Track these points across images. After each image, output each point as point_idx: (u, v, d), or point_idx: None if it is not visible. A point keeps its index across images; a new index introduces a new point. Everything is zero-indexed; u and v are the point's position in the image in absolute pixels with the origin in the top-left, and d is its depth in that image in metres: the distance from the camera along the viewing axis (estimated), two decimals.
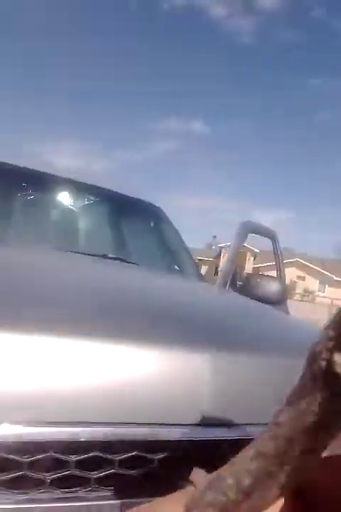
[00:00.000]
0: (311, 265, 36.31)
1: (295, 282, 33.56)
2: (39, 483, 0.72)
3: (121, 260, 1.77)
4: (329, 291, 35.19)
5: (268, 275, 2.56)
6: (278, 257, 2.80)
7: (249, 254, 26.54)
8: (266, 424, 0.27)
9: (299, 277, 35.36)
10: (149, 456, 0.76)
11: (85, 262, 1.57)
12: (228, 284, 2.13)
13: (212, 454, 0.78)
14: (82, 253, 1.70)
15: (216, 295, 1.74)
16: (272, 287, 2.02)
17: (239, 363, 0.87)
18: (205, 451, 0.77)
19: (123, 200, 2.20)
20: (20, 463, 0.71)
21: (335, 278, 36.00)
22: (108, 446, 0.74)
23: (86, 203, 2.03)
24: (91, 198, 2.06)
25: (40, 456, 0.71)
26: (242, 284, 2.14)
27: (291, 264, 32.03)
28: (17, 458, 0.70)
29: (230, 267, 2.21)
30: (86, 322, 0.83)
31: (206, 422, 0.80)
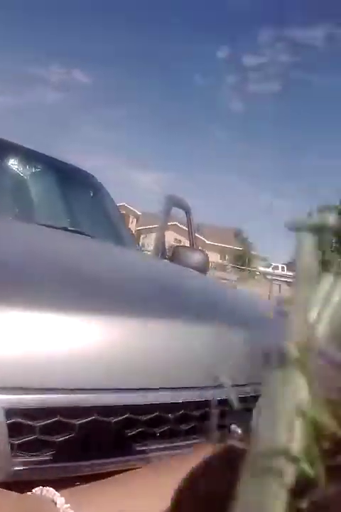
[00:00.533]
0: (187, 229, 38.34)
1: (173, 245, 35.31)
2: (50, 445, 0.79)
3: (79, 233, 1.88)
4: None
5: (191, 247, 2.88)
6: (192, 230, 3.15)
7: (131, 216, 26.94)
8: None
9: (176, 240, 37.21)
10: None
11: (49, 235, 1.66)
12: (160, 255, 2.39)
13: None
14: (44, 225, 1.76)
15: (169, 267, 1.98)
16: (197, 257, 2.35)
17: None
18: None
19: (66, 169, 2.28)
20: (32, 427, 0.77)
21: (207, 241, 38.69)
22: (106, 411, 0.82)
23: (34, 170, 2.08)
24: (39, 165, 2.11)
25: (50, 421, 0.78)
26: (171, 255, 2.41)
27: (170, 228, 33.57)
28: (29, 422, 0.76)
29: (161, 239, 2.47)
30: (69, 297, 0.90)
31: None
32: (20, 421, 0.76)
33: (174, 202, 2.81)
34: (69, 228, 1.88)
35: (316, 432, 0.19)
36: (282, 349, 0.20)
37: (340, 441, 0.18)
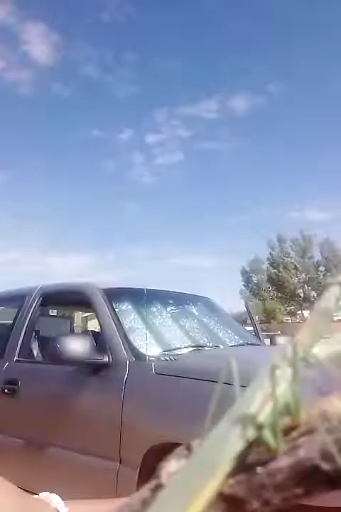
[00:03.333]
0: None
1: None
2: None
3: (253, 344, 2.61)
4: None
5: None
6: None
7: None
8: None
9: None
10: None
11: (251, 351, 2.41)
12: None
13: None
14: (235, 345, 2.51)
15: None
16: None
17: None
18: None
19: (195, 298, 3.09)
20: None
21: None
22: None
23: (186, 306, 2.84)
24: (190, 302, 2.92)
25: None
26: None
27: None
28: None
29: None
30: None
31: None
32: None
33: None
34: (249, 343, 2.66)
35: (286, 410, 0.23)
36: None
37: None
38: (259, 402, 0.24)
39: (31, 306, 3.32)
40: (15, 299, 3.67)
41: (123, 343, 2.38)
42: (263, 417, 0.23)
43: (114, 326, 2.47)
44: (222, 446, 0.23)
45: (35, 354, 3.40)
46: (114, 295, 2.72)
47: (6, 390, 3.05)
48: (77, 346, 2.32)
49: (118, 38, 50.45)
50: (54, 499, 0.38)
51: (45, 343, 3.43)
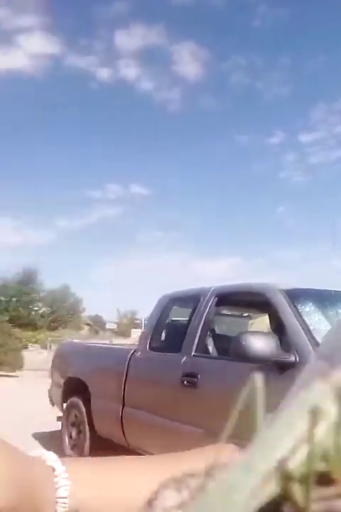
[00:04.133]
0: None
1: None
2: None
3: None
4: None
5: None
6: None
7: None
8: None
9: None
10: None
11: None
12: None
13: None
14: None
15: None
16: None
17: None
18: None
19: None
20: None
21: None
22: None
23: None
24: None
25: None
26: None
27: None
28: None
29: None
30: None
31: None
32: None
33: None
34: None
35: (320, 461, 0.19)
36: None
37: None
38: (289, 446, 0.19)
39: (207, 306, 3.52)
40: (189, 299, 3.94)
41: (310, 344, 2.37)
42: (294, 466, 0.19)
43: (300, 326, 2.48)
44: (236, 499, 0.19)
45: (211, 350, 3.60)
46: (296, 296, 2.72)
47: (185, 382, 3.31)
48: (262, 344, 2.39)
49: (268, 43, 49.83)
50: (50, 457, 0.37)
51: (221, 340, 3.63)
